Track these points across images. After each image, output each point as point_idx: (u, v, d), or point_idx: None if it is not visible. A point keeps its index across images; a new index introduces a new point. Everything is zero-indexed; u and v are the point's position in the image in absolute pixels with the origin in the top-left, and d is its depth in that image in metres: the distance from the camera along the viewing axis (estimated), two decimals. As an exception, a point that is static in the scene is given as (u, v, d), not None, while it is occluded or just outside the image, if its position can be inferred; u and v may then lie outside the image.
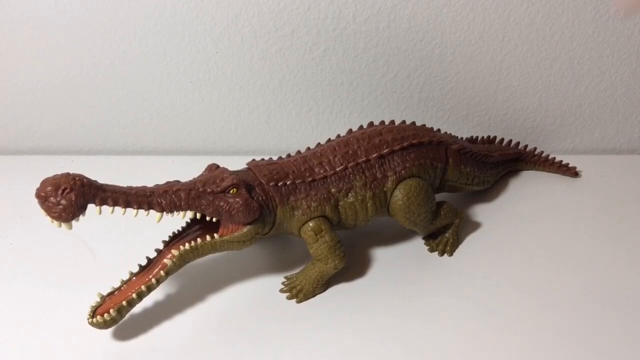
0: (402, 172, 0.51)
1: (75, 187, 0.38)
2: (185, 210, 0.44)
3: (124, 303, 0.43)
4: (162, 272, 0.44)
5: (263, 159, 0.52)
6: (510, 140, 0.67)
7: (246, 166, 0.51)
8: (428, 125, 0.56)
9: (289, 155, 0.53)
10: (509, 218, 0.60)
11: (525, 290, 0.49)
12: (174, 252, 0.45)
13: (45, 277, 0.51)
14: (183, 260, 0.45)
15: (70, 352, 0.43)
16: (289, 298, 0.49)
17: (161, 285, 0.45)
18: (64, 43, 0.68)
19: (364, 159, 0.50)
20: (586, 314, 0.46)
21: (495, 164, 0.63)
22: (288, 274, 0.51)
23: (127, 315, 0.44)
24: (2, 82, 0.71)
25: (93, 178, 0.40)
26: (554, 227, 0.58)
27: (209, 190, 0.45)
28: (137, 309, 0.45)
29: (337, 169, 0.49)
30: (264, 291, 0.50)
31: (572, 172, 0.68)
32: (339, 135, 0.54)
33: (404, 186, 0.51)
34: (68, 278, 0.51)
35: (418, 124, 0.56)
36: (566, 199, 0.63)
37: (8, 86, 0.72)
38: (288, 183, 0.48)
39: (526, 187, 0.66)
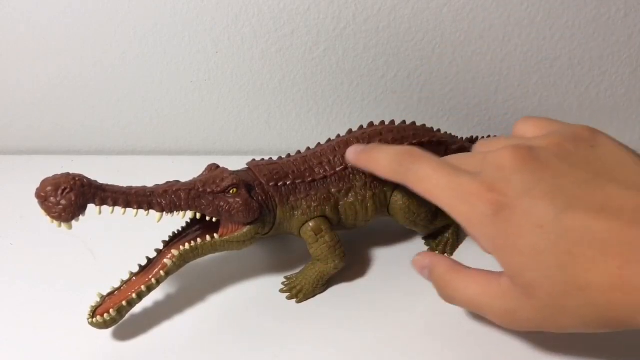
0: (402, 172, 0.51)
1: (75, 187, 0.38)
2: (185, 210, 0.44)
3: (124, 303, 0.43)
4: (162, 272, 0.44)
5: (263, 159, 0.52)
6: (511, 140, 0.67)
7: (246, 166, 0.51)
8: (428, 125, 0.56)
9: (289, 155, 0.53)
10: (509, 218, 0.59)
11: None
12: (174, 252, 0.45)
13: (45, 277, 0.51)
14: (183, 260, 0.45)
15: (70, 352, 0.43)
16: (289, 298, 0.49)
17: (161, 285, 0.45)
18: (63, 43, 0.68)
19: (364, 159, 0.50)
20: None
21: (495, 164, 0.63)
22: (288, 274, 0.51)
23: (127, 315, 0.44)
24: (1, 82, 0.72)
25: (93, 178, 0.40)
26: (554, 227, 0.58)
27: (209, 190, 0.45)
28: (137, 309, 0.45)
29: (337, 169, 0.49)
30: (264, 291, 0.50)
31: (572, 172, 0.68)
32: (339, 135, 0.54)
33: (404, 186, 0.51)
34: (68, 278, 0.51)
35: (418, 124, 0.56)
36: (566, 199, 0.63)
37: (8, 86, 0.72)
38: (288, 183, 0.48)
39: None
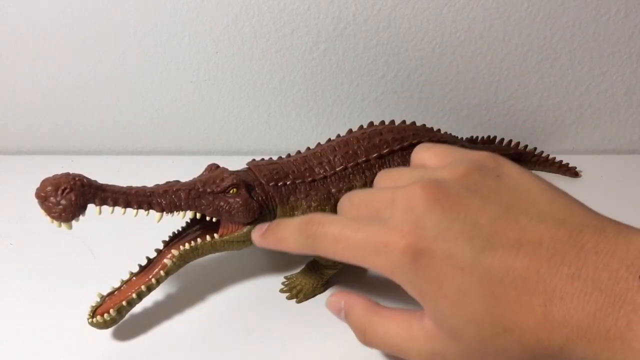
0: (402, 172, 0.51)
1: (75, 187, 0.38)
2: (185, 210, 0.44)
3: (124, 303, 0.43)
4: (162, 272, 0.44)
5: (263, 159, 0.52)
6: (510, 140, 0.67)
7: (246, 166, 0.51)
8: (428, 125, 0.56)
9: (289, 155, 0.53)
10: (509, 218, 0.59)
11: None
12: (174, 252, 0.45)
13: (45, 277, 0.51)
14: (183, 260, 0.45)
15: (70, 352, 0.43)
16: (288, 298, 0.49)
17: (161, 285, 0.45)
18: (63, 43, 0.68)
19: (363, 159, 0.50)
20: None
21: (495, 164, 0.63)
22: (288, 274, 0.51)
23: (127, 315, 0.44)
24: (1, 82, 0.72)
25: (93, 178, 0.40)
26: (554, 227, 0.58)
27: (209, 190, 0.45)
28: (137, 309, 0.45)
29: (337, 169, 0.49)
30: (263, 291, 0.50)
31: (572, 172, 0.68)
32: (339, 135, 0.54)
33: None
34: (68, 278, 0.51)
35: (418, 124, 0.56)
36: (566, 199, 0.63)
37: (8, 86, 0.72)
38: (288, 183, 0.48)
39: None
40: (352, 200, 0.37)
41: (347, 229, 0.34)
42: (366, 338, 0.35)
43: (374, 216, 0.33)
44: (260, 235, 0.40)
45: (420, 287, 0.31)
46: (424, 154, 0.38)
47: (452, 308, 0.30)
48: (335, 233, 0.34)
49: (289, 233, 0.38)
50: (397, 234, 0.31)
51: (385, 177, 0.37)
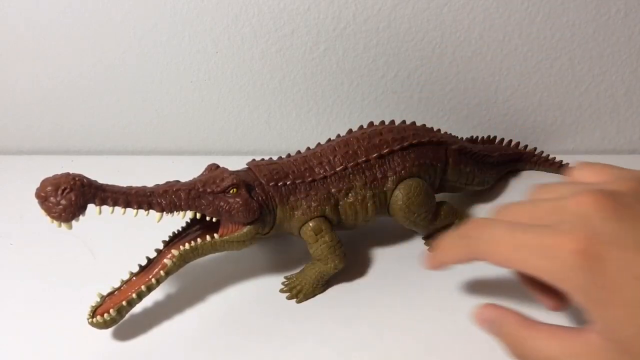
0: (402, 172, 0.51)
1: (75, 187, 0.38)
2: (185, 210, 0.44)
3: (124, 303, 0.43)
4: (162, 272, 0.44)
5: (263, 159, 0.52)
6: (511, 140, 0.67)
7: (246, 166, 0.51)
8: (428, 125, 0.56)
9: (289, 155, 0.53)
10: (509, 218, 0.59)
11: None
12: (174, 252, 0.45)
13: (45, 277, 0.51)
14: (183, 260, 0.45)
15: (70, 352, 0.43)
16: (288, 298, 0.49)
17: (161, 285, 0.45)
18: (63, 43, 0.68)
19: (364, 159, 0.50)
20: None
21: (495, 164, 0.63)
22: (288, 274, 0.51)
23: (127, 315, 0.44)
24: (1, 82, 0.72)
25: (93, 178, 0.40)
26: (554, 227, 0.58)
27: (209, 190, 0.45)
28: (137, 309, 0.46)
29: (337, 169, 0.49)
30: (263, 291, 0.50)
31: (573, 172, 0.68)
32: (339, 135, 0.54)
33: (404, 186, 0.51)
34: (68, 278, 0.51)
35: (418, 124, 0.56)
36: (566, 199, 0.63)
37: (8, 86, 0.72)
38: (288, 183, 0.48)
39: (526, 187, 0.65)
40: (508, 210, 0.36)
41: (511, 231, 0.33)
42: (521, 352, 0.34)
43: (537, 223, 0.32)
44: (432, 260, 0.39)
45: (591, 294, 0.30)
46: (582, 171, 0.37)
47: (627, 318, 0.29)
48: (498, 235, 0.33)
49: (449, 241, 0.38)
50: (568, 237, 0.30)
51: (541, 191, 0.36)
